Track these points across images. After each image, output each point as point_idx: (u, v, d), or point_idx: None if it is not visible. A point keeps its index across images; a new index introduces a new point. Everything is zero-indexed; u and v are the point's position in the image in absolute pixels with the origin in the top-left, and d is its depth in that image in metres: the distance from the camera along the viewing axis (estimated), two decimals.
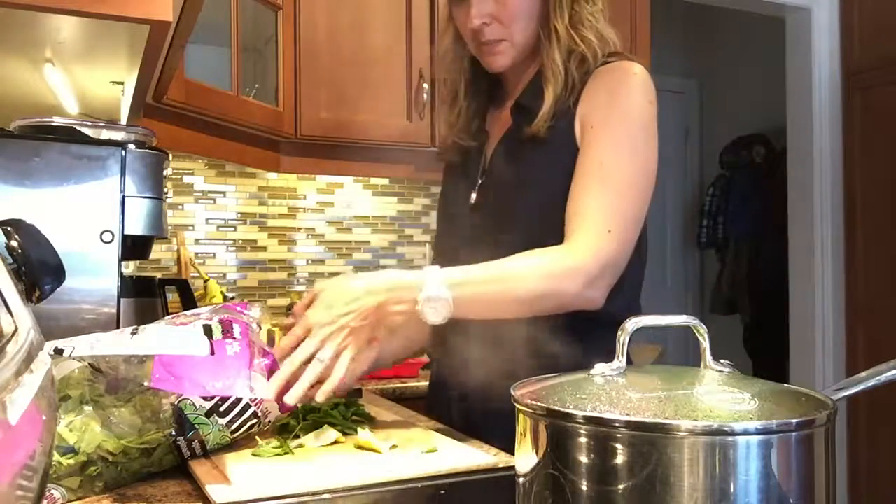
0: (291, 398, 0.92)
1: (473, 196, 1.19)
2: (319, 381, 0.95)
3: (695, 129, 4.79)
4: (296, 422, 0.99)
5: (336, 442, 0.95)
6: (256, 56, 2.23)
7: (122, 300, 1.13)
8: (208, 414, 0.85)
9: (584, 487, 0.53)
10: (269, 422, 0.93)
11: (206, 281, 2.27)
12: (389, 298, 0.97)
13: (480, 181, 1.20)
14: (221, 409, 0.86)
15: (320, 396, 0.95)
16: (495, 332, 1.10)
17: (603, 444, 0.52)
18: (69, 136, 1.13)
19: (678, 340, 3.70)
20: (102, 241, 1.11)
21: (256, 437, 0.92)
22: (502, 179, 1.16)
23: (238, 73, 1.95)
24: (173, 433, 0.83)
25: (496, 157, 1.19)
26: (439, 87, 1.28)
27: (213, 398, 0.85)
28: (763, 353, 3.98)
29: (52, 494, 0.77)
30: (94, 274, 1.10)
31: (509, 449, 0.97)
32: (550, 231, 1.06)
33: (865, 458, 3.12)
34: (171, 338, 0.88)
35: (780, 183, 3.56)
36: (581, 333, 1.02)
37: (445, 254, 1.22)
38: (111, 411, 0.81)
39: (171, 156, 1.26)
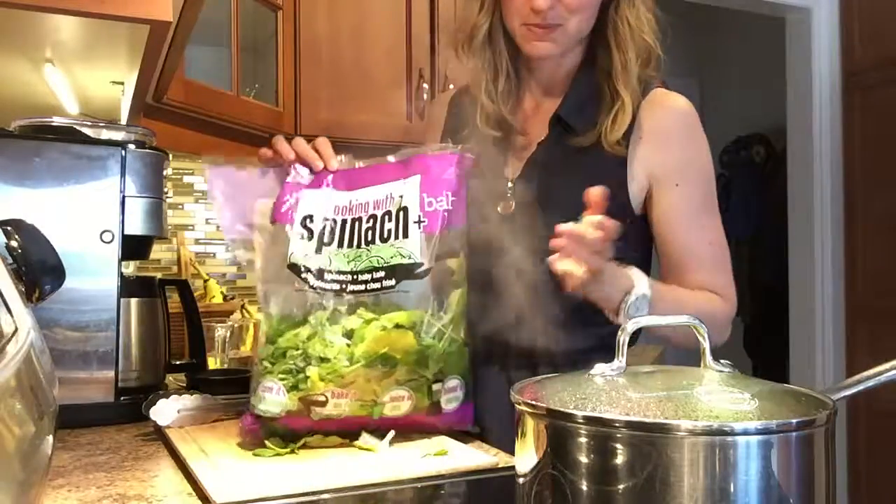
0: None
1: (502, 206, 1.10)
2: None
3: None
4: None
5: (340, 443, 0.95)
6: (256, 56, 2.23)
7: (122, 300, 1.13)
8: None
9: (584, 487, 0.52)
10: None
11: (206, 281, 2.27)
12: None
13: (510, 191, 1.11)
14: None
15: (562, 265, 0.88)
16: (512, 340, 1.07)
17: (603, 444, 0.52)
18: (69, 136, 1.13)
19: None
20: (102, 241, 1.11)
21: (266, 441, 0.92)
22: (536, 198, 1.07)
23: (238, 73, 1.95)
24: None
25: (530, 169, 1.10)
26: (453, 57, 1.16)
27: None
28: (763, 353, 3.99)
29: None
30: (94, 274, 1.10)
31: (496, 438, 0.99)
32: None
33: (865, 458, 3.12)
34: None
35: (780, 183, 3.56)
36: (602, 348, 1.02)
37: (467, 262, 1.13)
38: None
39: (171, 156, 1.26)
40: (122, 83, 1.29)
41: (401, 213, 0.96)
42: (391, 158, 1.02)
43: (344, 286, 0.94)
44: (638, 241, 1.10)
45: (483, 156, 1.11)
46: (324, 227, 0.98)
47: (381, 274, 0.94)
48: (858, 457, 3.14)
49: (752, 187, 4.14)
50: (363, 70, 2.23)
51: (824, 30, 3.31)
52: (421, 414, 0.94)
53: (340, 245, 0.97)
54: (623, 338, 0.59)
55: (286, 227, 0.98)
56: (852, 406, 3.11)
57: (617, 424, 0.51)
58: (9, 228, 0.75)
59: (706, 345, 0.61)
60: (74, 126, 1.15)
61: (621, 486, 0.51)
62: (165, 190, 1.21)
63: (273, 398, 0.91)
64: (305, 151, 1.02)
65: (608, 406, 0.53)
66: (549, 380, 0.63)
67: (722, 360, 0.61)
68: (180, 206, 2.32)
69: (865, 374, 0.61)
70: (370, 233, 0.97)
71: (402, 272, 0.93)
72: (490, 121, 1.12)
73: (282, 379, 0.91)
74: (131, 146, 1.15)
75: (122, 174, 1.13)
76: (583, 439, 0.53)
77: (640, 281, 0.96)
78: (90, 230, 1.11)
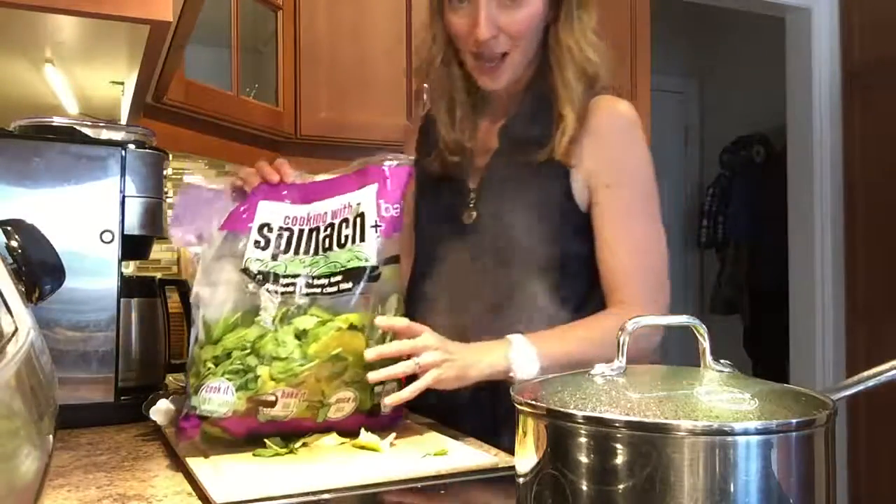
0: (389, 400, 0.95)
1: (466, 216, 1.18)
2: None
3: (695, 129, 4.80)
4: None
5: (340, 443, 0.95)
6: (256, 56, 2.23)
7: (122, 300, 1.13)
8: None
9: (584, 487, 0.52)
10: None
11: None
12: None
13: (472, 202, 1.18)
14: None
15: (390, 400, 0.96)
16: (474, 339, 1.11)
17: (603, 444, 0.52)
18: (69, 136, 1.13)
19: (678, 340, 3.70)
20: (102, 241, 1.11)
21: (266, 441, 0.92)
22: (495, 204, 1.15)
23: (238, 73, 1.95)
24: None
25: (487, 179, 1.17)
26: (422, 89, 1.25)
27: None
28: (763, 353, 3.99)
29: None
30: (94, 274, 1.10)
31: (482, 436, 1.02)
32: (543, 260, 1.09)
33: (865, 458, 3.12)
34: None
35: (780, 183, 3.56)
36: None
37: (434, 270, 1.19)
38: None
39: (171, 156, 1.26)
40: (122, 83, 1.29)
41: (358, 219, 0.99)
42: (349, 171, 1.06)
43: (298, 288, 0.96)
44: (586, 237, 1.14)
45: (449, 170, 1.20)
46: (280, 236, 1.00)
47: (339, 278, 0.96)
48: (858, 457, 3.14)
49: (752, 187, 4.14)
50: (363, 70, 2.23)
51: (824, 30, 3.31)
52: (361, 415, 0.96)
53: (297, 252, 0.99)
54: (623, 338, 0.59)
55: (240, 234, 1.00)
56: (852, 406, 3.11)
57: (617, 424, 0.51)
58: (9, 228, 0.75)
59: (706, 345, 0.61)
60: (74, 126, 1.15)
61: (621, 486, 0.51)
62: (165, 190, 1.21)
63: (220, 398, 0.89)
64: (262, 168, 1.06)
65: (608, 406, 0.53)
66: (549, 380, 0.63)
67: (722, 360, 0.61)
68: None
69: (865, 374, 0.61)
70: (328, 240, 1.00)
71: (358, 275, 0.96)
72: (451, 147, 1.19)
73: (229, 379, 0.90)
74: (131, 146, 1.15)
75: (122, 174, 1.13)
76: (583, 439, 0.53)
77: (516, 342, 1.01)
78: (90, 230, 1.11)
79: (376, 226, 0.98)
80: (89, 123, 1.16)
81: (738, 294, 4.13)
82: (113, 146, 1.14)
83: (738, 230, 4.19)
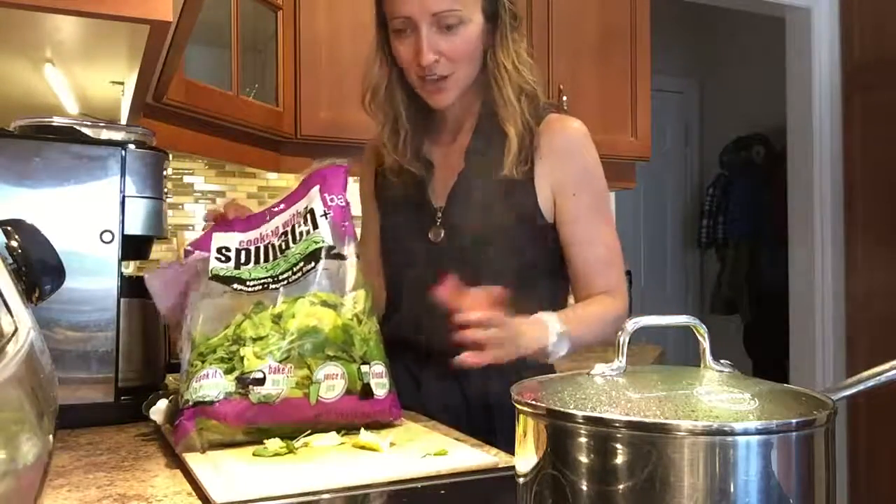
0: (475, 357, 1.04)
1: (433, 234, 1.25)
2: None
3: (695, 129, 4.80)
4: None
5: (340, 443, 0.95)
6: (256, 56, 2.23)
7: (122, 300, 1.13)
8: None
9: (584, 487, 0.52)
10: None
11: None
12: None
13: (439, 220, 1.25)
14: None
15: (462, 358, 1.03)
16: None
17: (603, 444, 0.52)
18: (69, 136, 1.12)
19: (678, 340, 3.70)
20: (102, 241, 1.11)
21: (264, 442, 0.92)
22: (463, 222, 1.22)
23: (238, 73, 1.95)
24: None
25: (454, 197, 1.24)
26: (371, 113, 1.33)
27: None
28: (763, 353, 3.99)
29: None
30: (94, 274, 1.10)
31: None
32: (513, 272, 1.17)
33: (865, 458, 3.12)
34: None
35: (780, 183, 3.57)
36: None
37: (404, 288, 1.27)
38: None
39: (171, 156, 1.26)
40: (122, 83, 1.29)
41: (308, 215, 1.06)
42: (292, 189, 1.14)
43: (266, 286, 1.02)
44: (550, 246, 1.25)
45: (409, 190, 1.27)
46: (238, 254, 1.07)
47: (301, 264, 1.02)
48: (858, 457, 3.14)
49: (752, 187, 4.14)
50: (363, 70, 2.22)
51: (824, 30, 3.31)
52: (354, 398, 0.98)
53: (257, 262, 1.06)
54: (623, 338, 0.59)
55: (203, 255, 1.06)
56: (852, 406, 3.11)
57: (617, 424, 0.51)
58: (9, 228, 0.75)
59: (706, 345, 0.61)
60: (74, 126, 1.15)
61: (621, 486, 0.51)
62: (165, 190, 1.21)
63: (210, 382, 0.92)
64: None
65: (608, 406, 0.53)
66: (549, 380, 0.63)
67: (722, 360, 0.61)
68: (180, 206, 2.32)
69: (865, 374, 0.61)
70: (284, 244, 1.06)
71: (317, 255, 1.02)
72: (394, 171, 1.28)
73: (217, 367, 0.94)
74: (131, 146, 1.15)
75: (122, 174, 1.13)
76: (583, 439, 0.53)
77: (551, 322, 1.11)
78: (90, 230, 1.11)
79: (325, 214, 1.06)
80: (89, 123, 1.16)
81: (738, 294, 4.13)
82: (113, 146, 1.13)
83: (738, 230, 4.19)
